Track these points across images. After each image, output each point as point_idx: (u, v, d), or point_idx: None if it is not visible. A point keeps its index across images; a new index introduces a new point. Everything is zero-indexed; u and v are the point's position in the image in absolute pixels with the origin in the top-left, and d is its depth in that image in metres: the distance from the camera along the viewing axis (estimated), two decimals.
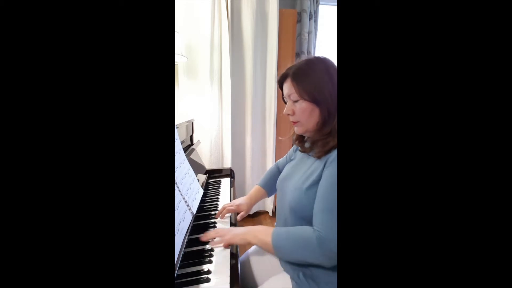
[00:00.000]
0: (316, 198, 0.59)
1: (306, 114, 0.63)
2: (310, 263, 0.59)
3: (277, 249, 0.60)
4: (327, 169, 0.58)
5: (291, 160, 0.81)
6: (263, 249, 0.65)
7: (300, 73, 0.63)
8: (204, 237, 0.69)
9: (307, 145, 0.71)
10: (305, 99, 0.62)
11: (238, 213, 0.87)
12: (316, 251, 0.55)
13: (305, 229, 0.58)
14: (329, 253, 0.53)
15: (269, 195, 0.93)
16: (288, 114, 0.66)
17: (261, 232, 0.63)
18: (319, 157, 0.62)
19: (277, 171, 0.93)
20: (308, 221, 0.61)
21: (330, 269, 0.59)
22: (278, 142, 1.97)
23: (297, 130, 0.68)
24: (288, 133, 0.78)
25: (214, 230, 0.71)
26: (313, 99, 0.61)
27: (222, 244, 0.67)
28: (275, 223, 0.80)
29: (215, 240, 0.68)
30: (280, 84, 0.69)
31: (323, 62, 0.64)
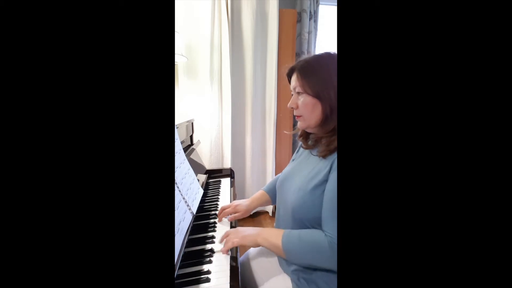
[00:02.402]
0: (324, 201, 0.58)
1: (308, 109, 0.63)
2: (320, 267, 0.59)
3: (287, 252, 0.60)
4: (334, 171, 0.57)
5: (292, 161, 0.80)
6: (273, 251, 0.64)
7: (307, 67, 0.63)
8: (220, 240, 0.70)
9: (310, 142, 0.71)
10: (308, 93, 0.62)
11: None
12: (327, 256, 0.55)
13: (316, 233, 0.58)
14: None
15: (273, 203, 0.90)
16: (292, 108, 0.66)
17: (272, 235, 0.63)
18: (323, 156, 0.61)
19: None
20: (311, 223, 0.60)
21: (332, 272, 0.59)
22: (278, 143, 1.97)
23: (300, 124, 0.68)
24: (291, 134, 0.78)
25: (225, 233, 0.70)
26: (316, 94, 0.61)
27: (231, 246, 0.66)
28: (274, 224, 0.80)
29: (226, 244, 0.66)
30: (289, 77, 0.69)
31: (332, 58, 0.63)
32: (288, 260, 0.64)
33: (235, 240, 0.65)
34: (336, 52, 0.64)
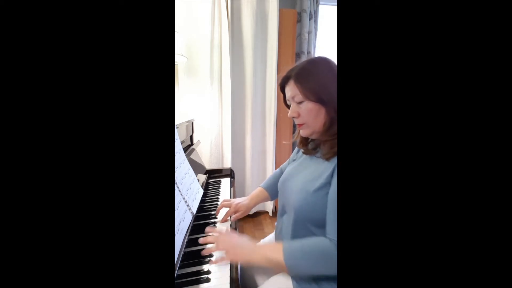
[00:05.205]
0: (328, 204, 0.56)
1: (312, 115, 0.61)
2: (329, 276, 0.56)
3: (291, 268, 0.55)
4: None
5: (293, 161, 0.80)
6: (272, 268, 0.59)
7: (304, 74, 0.61)
8: (203, 240, 0.64)
9: (311, 146, 0.70)
10: (310, 100, 0.60)
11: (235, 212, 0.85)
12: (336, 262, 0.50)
13: (320, 241, 0.55)
14: None
15: (271, 199, 0.90)
16: (293, 117, 0.64)
17: (270, 250, 0.58)
18: (327, 159, 0.60)
19: (281, 175, 0.89)
20: (313, 224, 0.60)
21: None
22: (278, 142, 1.96)
23: (303, 132, 0.65)
24: (290, 134, 0.77)
25: (212, 236, 0.64)
26: (319, 99, 0.60)
27: (225, 261, 0.61)
28: (276, 223, 0.80)
29: (216, 256, 0.62)
30: (282, 87, 0.67)
31: (325, 61, 0.63)
32: (293, 275, 0.59)
33: (226, 257, 0.60)
34: (326, 56, 0.65)
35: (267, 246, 0.60)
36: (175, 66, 1.65)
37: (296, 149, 0.82)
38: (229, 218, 0.84)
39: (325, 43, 2.14)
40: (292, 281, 0.63)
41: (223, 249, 0.60)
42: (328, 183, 0.58)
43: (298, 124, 0.65)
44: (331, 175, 0.57)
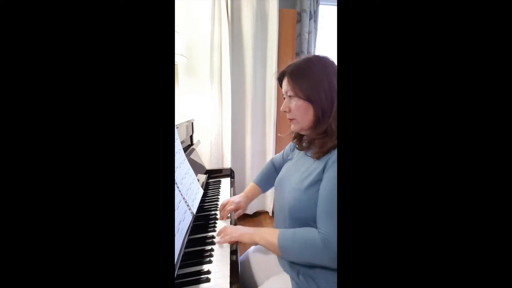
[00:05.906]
0: (318, 200, 0.59)
1: (300, 112, 0.64)
2: (315, 264, 0.60)
3: (282, 250, 0.61)
4: (328, 171, 0.58)
5: (288, 159, 0.82)
6: (269, 249, 0.66)
7: (297, 71, 0.64)
8: (218, 233, 0.73)
9: (304, 144, 0.72)
10: (299, 97, 0.63)
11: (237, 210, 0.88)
12: (321, 253, 0.56)
13: (310, 231, 0.59)
14: (334, 255, 0.54)
15: (263, 191, 0.95)
16: (285, 111, 0.67)
17: (268, 234, 0.65)
18: (317, 158, 0.62)
19: (272, 167, 0.95)
20: (308, 222, 0.61)
21: (331, 270, 0.59)
22: (278, 142, 1.97)
23: (293, 127, 0.69)
24: (288, 130, 0.79)
25: (223, 228, 0.72)
26: (307, 98, 0.62)
27: (229, 240, 0.68)
28: (274, 223, 0.80)
29: (224, 237, 0.69)
30: (280, 81, 0.70)
31: (322, 61, 0.64)
32: (283, 258, 0.65)
33: (234, 235, 0.67)
34: (325, 55, 0.67)
35: (268, 229, 0.68)
36: (175, 66, 1.65)
37: (291, 146, 0.84)
38: (229, 215, 0.85)
39: (325, 43, 2.14)
40: (292, 281, 0.63)
41: (229, 232, 0.69)
42: (319, 180, 0.60)
43: (289, 119, 0.68)
44: (322, 172, 0.60)
